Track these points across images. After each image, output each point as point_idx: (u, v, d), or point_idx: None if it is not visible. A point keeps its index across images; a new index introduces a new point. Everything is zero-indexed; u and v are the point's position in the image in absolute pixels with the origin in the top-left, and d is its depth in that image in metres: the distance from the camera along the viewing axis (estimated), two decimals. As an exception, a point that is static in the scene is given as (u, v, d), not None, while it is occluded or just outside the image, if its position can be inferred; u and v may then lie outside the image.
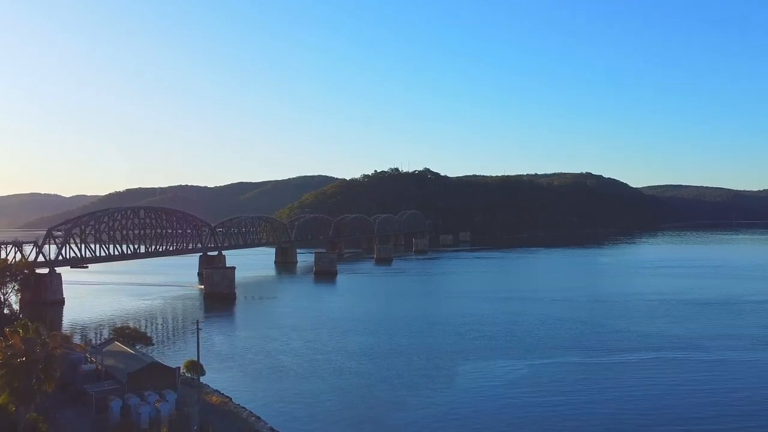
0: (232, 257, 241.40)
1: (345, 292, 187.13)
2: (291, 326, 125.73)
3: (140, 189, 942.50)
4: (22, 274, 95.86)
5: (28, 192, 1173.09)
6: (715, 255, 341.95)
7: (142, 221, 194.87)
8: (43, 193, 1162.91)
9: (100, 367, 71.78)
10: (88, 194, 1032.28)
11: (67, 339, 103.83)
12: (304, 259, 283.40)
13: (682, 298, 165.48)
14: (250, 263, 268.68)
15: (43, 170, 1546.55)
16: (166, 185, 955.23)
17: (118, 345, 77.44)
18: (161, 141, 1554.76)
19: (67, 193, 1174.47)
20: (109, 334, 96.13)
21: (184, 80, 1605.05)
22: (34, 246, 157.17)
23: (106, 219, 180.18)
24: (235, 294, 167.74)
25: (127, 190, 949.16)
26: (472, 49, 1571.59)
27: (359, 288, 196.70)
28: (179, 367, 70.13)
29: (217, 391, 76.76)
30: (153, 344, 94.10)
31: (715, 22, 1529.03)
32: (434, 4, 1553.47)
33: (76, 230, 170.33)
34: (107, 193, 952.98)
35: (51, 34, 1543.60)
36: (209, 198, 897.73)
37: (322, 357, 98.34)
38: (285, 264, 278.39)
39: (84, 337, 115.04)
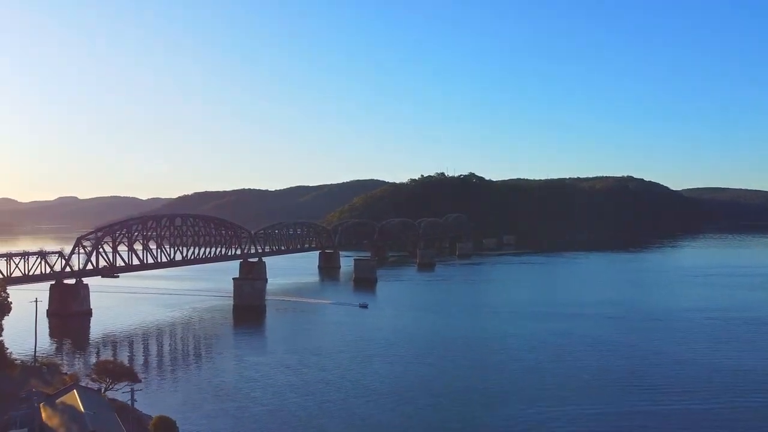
0: (275, 262, 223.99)
1: (380, 303, 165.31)
2: (312, 349, 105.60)
3: (207, 192, 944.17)
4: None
5: (110, 195, 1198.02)
6: (765, 260, 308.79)
7: (178, 229, 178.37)
8: (122, 196, 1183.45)
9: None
10: (163, 197, 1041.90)
11: (56, 368, 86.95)
12: (349, 263, 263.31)
13: (746, 315, 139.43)
14: (293, 268, 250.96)
15: (123, 174, 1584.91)
16: (231, 189, 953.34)
17: (74, 396, 58.27)
18: (231, 147, 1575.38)
19: (144, 196, 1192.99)
20: (95, 366, 77.40)
21: (248, 91, 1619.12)
22: (59, 256, 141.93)
23: (139, 227, 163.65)
24: (264, 306, 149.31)
25: (195, 193, 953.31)
26: (515, 56, 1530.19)
27: (396, 299, 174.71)
28: (128, 438, 50.40)
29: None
30: (140, 381, 75.01)
31: (748, 25, 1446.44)
32: (476, 10, 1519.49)
33: (107, 239, 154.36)
34: (177, 196, 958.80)
35: (132, 51, 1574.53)
36: (269, 200, 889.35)
37: (334, 396, 77.78)
38: (328, 269, 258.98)
39: (79, 363, 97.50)
